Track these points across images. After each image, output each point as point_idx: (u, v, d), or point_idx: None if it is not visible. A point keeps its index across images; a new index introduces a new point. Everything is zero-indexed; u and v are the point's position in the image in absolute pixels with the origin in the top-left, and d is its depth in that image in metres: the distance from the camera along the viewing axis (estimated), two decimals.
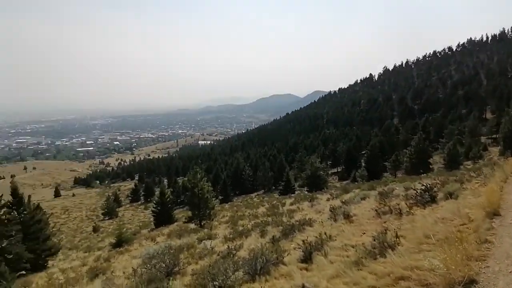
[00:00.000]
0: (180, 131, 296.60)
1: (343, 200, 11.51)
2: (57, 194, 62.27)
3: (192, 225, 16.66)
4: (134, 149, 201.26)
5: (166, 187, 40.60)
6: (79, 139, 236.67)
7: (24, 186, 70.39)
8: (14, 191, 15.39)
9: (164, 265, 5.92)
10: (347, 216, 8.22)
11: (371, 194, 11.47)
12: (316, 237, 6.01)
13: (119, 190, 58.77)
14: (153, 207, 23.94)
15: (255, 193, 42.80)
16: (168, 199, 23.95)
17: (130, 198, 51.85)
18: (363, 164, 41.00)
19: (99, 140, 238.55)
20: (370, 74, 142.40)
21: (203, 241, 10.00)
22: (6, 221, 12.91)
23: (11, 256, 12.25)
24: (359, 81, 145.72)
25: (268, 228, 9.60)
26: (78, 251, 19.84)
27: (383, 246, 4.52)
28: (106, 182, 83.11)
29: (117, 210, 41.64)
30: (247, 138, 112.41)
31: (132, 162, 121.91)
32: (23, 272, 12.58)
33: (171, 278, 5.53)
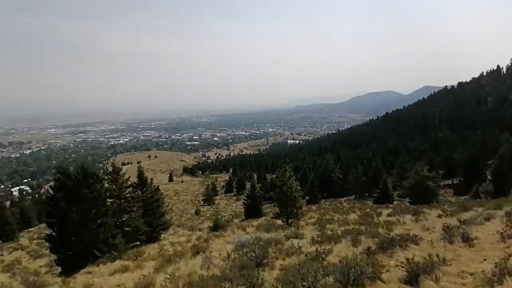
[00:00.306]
0: (270, 129, 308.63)
1: (461, 219, 9.42)
2: (170, 179, 75.07)
3: (279, 222, 17.00)
4: (229, 145, 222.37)
5: (256, 182, 42.95)
6: (188, 135, 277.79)
7: (147, 171, 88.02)
8: (140, 175, 19.17)
9: (254, 255, 6.20)
10: (467, 239, 6.71)
11: (497, 214, 9.07)
12: (425, 258, 5.09)
13: (216, 181, 65.95)
14: (244, 200, 25.65)
15: (345, 198, 40.25)
16: (258, 193, 25.22)
17: (225, 189, 57.39)
18: (488, 176, 32.73)
19: (203, 136, 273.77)
20: (498, 66, 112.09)
21: (291, 239, 10.01)
22: (130, 198, 16.25)
23: (129, 228, 15.27)
24: (484, 74, 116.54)
25: (361, 237, 8.78)
26: (184, 229, 23.25)
27: (503, 272, 4.00)
28: (206, 172, 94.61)
29: (214, 198, 46.81)
30: (338, 139, 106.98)
31: (227, 157, 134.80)
32: (138, 243, 15.44)
33: (260, 269, 5.72)
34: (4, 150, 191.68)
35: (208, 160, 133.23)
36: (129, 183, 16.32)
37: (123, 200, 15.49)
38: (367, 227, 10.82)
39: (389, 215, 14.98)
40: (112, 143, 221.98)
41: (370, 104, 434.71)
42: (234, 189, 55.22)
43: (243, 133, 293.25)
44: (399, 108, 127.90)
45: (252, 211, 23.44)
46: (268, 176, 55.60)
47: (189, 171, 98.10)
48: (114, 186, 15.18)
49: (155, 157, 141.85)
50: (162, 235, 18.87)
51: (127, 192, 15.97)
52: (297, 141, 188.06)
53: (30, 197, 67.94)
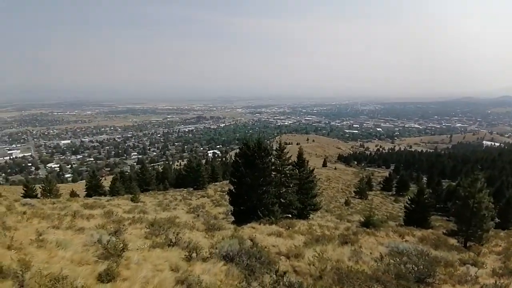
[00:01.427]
0: (458, 124, 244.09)
1: None
2: (324, 165, 76.75)
3: (453, 241, 13.56)
4: (395, 137, 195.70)
5: (425, 186, 35.86)
6: (348, 122, 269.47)
7: (304, 153, 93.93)
8: (300, 156, 20.66)
9: (416, 269, 5.28)
10: None
11: None
12: None
13: (372, 175, 60.86)
14: (407, 203, 22.26)
15: None
16: (426, 200, 21.16)
17: (381, 185, 52.01)
18: None
19: (364, 124, 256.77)
20: None
21: (467, 265, 8.03)
22: (289, 175, 17.90)
23: (285, 201, 16.98)
24: None
25: None
26: (332, 215, 23.43)
27: None
28: (363, 164, 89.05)
29: (367, 192, 43.66)
30: None
31: (390, 151, 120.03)
32: (290, 216, 16.99)
33: (421, 287, 4.82)
34: (206, 122, 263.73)
35: (366, 151, 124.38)
36: (290, 161, 18.15)
37: (283, 175, 17.45)
38: None
39: None
40: (278, 124, 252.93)
41: None
42: (394, 189, 48.90)
43: (416, 125, 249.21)
44: None
45: (415, 218, 20.04)
46: (445, 182, 45.00)
47: (343, 159, 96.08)
48: (278, 162, 17.32)
49: (313, 141, 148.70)
50: (311, 215, 19.91)
51: (287, 168, 17.84)
52: (498, 144, 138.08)
53: (220, 159, 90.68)
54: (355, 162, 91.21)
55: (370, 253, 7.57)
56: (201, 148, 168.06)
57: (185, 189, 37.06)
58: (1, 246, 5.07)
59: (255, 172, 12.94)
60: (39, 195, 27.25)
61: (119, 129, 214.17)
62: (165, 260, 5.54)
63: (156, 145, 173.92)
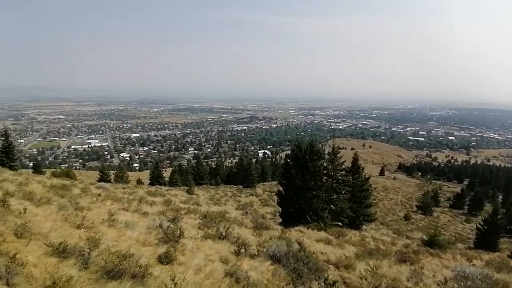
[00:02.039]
0: None
1: None
2: (381, 173, 71.12)
3: None
4: (471, 149, 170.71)
5: (500, 205, 30.54)
6: (413, 128, 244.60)
7: (359, 159, 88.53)
8: (354, 161, 19.56)
9: None
10: None
11: None
12: None
13: (440, 189, 54.20)
14: (480, 224, 19.33)
15: None
16: (499, 221, 18.22)
17: (450, 202, 45.95)
18: None
19: (433, 132, 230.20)
20: None
21: None
22: (341, 181, 17.04)
23: (335, 208, 16.17)
24: None
25: None
26: (388, 229, 21.61)
27: None
28: (428, 176, 79.91)
29: (432, 208, 39.05)
30: None
31: (464, 163, 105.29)
32: (340, 224, 16.11)
33: None
34: (259, 122, 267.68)
35: (434, 162, 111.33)
36: (343, 166, 17.32)
37: (335, 181, 16.76)
38: None
39: None
40: (332, 127, 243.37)
41: None
42: (465, 207, 42.80)
43: (496, 136, 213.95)
44: None
45: (486, 241, 17.41)
46: None
47: (405, 169, 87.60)
48: (330, 166, 16.71)
49: (370, 146, 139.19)
50: (364, 226, 18.67)
51: (340, 174, 17.08)
52: None
53: (270, 159, 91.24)
54: (419, 173, 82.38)
55: (433, 275, 6.75)
56: (252, 148, 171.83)
57: (235, 186, 38.35)
58: (70, 225, 5.84)
59: (306, 175, 12.68)
60: (112, 180, 31.24)
61: (180, 126, 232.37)
62: (215, 252, 5.81)
63: (210, 142, 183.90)
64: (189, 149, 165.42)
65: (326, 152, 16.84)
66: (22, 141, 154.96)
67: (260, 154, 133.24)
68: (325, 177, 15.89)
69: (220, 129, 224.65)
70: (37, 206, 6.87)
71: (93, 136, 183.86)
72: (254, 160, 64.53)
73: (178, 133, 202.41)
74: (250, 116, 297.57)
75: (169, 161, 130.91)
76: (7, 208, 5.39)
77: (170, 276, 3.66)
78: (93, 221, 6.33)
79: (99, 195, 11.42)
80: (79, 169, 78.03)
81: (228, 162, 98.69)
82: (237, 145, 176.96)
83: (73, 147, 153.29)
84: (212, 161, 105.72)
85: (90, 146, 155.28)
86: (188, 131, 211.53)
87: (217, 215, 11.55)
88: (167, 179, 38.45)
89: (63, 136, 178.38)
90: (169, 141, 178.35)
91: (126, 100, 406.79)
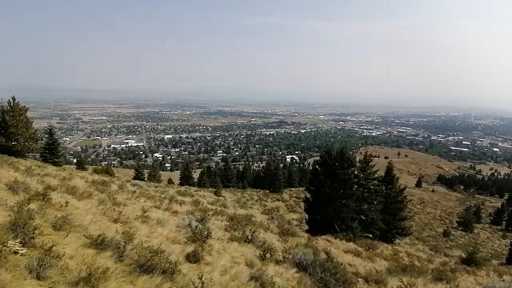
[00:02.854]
0: None
1: None
2: (418, 184, 66.61)
3: None
4: None
5: None
6: (455, 138, 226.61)
7: (393, 169, 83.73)
8: (388, 171, 18.56)
9: None
10: None
11: None
12: None
13: (482, 205, 49.55)
14: None
15: None
16: None
17: (491, 218, 41.95)
18: None
19: (477, 142, 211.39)
20: None
21: None
22: (373, 191, 16.21)
23: (366, 218, 15.36)
24: None
25: None
26: (424, 245, 20.15)
27: None
28: (471, 190, 73.38)
29: (474, 225, 35.75)
30: None
31: (506, 177, 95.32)
32: (371, 236, 15.25)
33: None
34: (287, 127, 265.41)
35: (478, 175, 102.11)
36: (375, 175, 16.53)
37: (366, 190, 16.03)
38: None
39: None
40: (364, 134, 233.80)
41: None
42: (504, 222, 39.12)
43: None
44: None
45: None
46: None
47: (445, 181, 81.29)
48: (362, 175, 16.04)
49: (405, 156, 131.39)
50: (397, 240, 17.62)
51: (372, 183, 16.31)
52: None
53: (297, 165, 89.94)
54: (461, 187, 75.96)
55: None
56: (280, 152, 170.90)
57: (262, 191, 38.31)
58: (108, 219, 6.21)
59: (335, 183, 12.30)
60: (145, 179, 32.89)
61: (210, 129, 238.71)
62: (241, 254, 5.84)
63: (239, 145, 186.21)
64: (218, 151, 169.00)
65: (358, 159, 16.25)
66: (67, 139, 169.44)
67: (287, 159, 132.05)
68: (356, 186, 15.27)
69: (248, 133, 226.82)
70: (79, 200, 7.44)
71: (130, 136, 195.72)
72: (281, 165, 64.04)
73: (208, 136, 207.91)
74: (279, 121, 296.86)
75: (198, 163, 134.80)
76: (47, 202, 5.81)
77: (198, 275, 3.75)
78: (128, 216, 6.70)
79: (134, 192, 12.08)
80: (117, 167, 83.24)
81: (256, 166, 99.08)
82: (265, 149, 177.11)
83: (112, 146, 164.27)
84: (239, 164, 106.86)
85: (127, 145, 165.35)
86: (217, 134, 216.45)
87: (244, 218, 11.62)
88: (196, 180, 39.57)
89: (104, 136, 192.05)
90: (199, 143, 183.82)
91: (161, 103, 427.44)
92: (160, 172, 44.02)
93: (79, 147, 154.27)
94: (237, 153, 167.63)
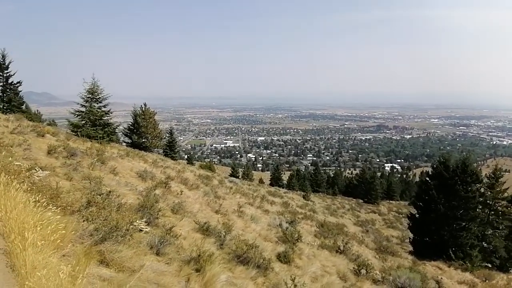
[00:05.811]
0: None
1: None
2: None
3: None
4: None
5: None
6: None
7: None
8: None
9: None
10: None
11: None
12: None
13: None
14: None
15: None
16: None
17: None
18: None
19: None
20: None
21: None
22: (500, 213, 12.61)
23: (487, 246, 12.03)
24: None
25: None
26: None
27: None
28: None
29: None
30: None
31: None
32: (489, 265, 11.93)
33: None
34: (388, 131, 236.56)
35: None
36: (505, 194, 12.96)
37: (493, 212, 12.76)
38: None
39: None
40: (494, 143, 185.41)
41: None
42: None
43: None
44: None
45: None
46: None
47: None
48: (489, 193, 12.85)
49: None
50: None
51: (500, 204, 12.91)
52: None
53: (399, 175, 79.14)
54: None
55: None
56: (377, 160, 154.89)
57: (354, 200, 35.56)
58: (211, 210, 6.98)
59: (453, 201, 10.17)
60: (239, 177, 35.68)
61: (300, 132, 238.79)
62: (332, 264, 5.55)
63: (330, 150, 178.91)
64: (308, 155, 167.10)
65: (484, 174, 13.10)
66: (181, 138, 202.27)
67: (387, 168, 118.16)
68: (480, 206, 12.32)
69: (341, 137, 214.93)
70: (190, 190, 8.71)
71: (228, 137, 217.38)
72: (379, 174, 57.85)
73: (299, 139, 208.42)
74: (378, 125, 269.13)
75: (288, 165, 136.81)
76: (168, 189, 7.07)
77: (291, 277, 3.76)
78: (227, 209, 7.42)
79: (231, 188, 13.29)
80: (217, 164, 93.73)
81: (348, 173, 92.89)
82: (360, 155, 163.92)
83: (214, 145, 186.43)
84: (330, 169, 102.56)
85: (226, 145, 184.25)
86: (308, 138, 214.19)
87: (334, 226, 11.07)
88: (285, 182, 40.25)
89: (208, 136, 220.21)
90: (289, 146, 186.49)
91: (256, 107, 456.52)
92: (252, 171, 46.87)
93: (189, 145, 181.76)
94: (327, 157, 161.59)
